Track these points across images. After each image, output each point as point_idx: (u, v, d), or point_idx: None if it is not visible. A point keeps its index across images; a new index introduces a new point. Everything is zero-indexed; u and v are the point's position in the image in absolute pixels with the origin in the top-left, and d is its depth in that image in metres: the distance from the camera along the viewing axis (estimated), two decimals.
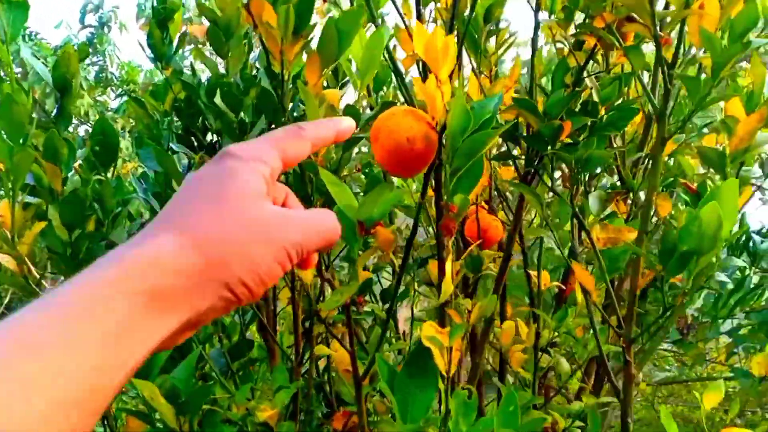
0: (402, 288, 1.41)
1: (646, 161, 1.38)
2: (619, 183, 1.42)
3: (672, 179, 1.39)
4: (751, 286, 2.16)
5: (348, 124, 0.46)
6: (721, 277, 1.30)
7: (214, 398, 1.34)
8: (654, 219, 1.42)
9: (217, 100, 0.98)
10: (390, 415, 1.13)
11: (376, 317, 1.38)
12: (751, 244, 2.25)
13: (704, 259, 0.83)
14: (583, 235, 0.97)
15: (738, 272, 2.23)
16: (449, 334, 0.78)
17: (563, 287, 1.38)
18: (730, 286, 1.39)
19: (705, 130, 1.13)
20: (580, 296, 1.20)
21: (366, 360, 0.98)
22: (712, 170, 0.96)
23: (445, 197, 0.74)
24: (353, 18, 0.79)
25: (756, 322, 2.27)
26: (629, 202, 1.35)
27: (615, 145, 1.15)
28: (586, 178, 0.99)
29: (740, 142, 0.86)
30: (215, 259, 0.34)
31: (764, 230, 2.52)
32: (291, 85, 0.87)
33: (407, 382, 0.79)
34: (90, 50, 6.67)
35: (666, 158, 1.39)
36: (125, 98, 6.19)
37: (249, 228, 0.36)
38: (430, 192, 0.91)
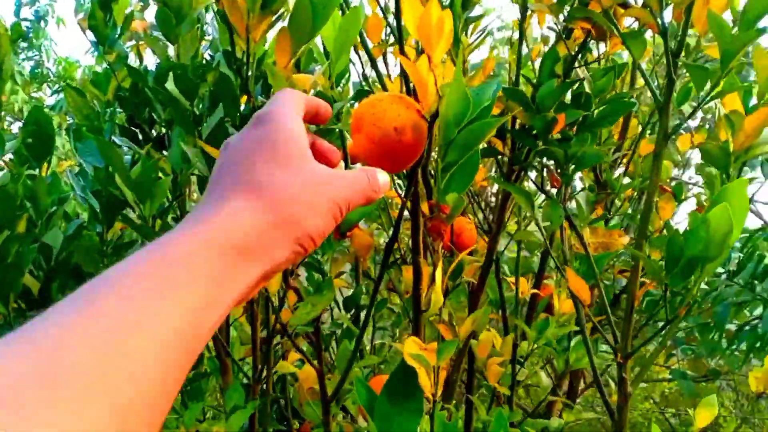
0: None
1: (623, 160, 1.33)
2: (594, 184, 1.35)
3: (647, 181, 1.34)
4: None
5: (327, 109, 0.48)
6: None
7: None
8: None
9: (169, 85, 0.86)
10: None
11: (335, 329, 1.28)
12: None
13: (711, 266, 0.76)
14: (572, 239, 0.89)
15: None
16: (437, 352, 0.69)
17: (539, 293, 1.31)
18: None
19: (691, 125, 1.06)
20: (557, 304, 1.12)
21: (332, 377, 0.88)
22: (686, 173, 0.89)
23: (436, 196, 0.65)
24: None
25: (693, 325, 2.26)
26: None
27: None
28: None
29: (746, 139, 0.79)
30: (287, 216, 0.37)
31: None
32: (256, 69, 0.76)
33: (389, 407, 0.69)
34: (25, 45, 6.36)
35: (640, 160, 1.33)
36: (62, 95, 5.91)
37: (312, 186, 0.39)
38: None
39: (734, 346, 2.38)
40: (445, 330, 0.69)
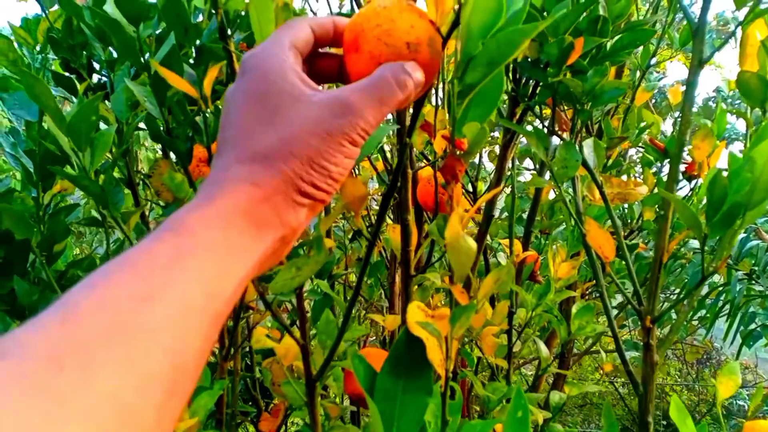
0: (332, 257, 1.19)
1: (618, 110, 1.22)
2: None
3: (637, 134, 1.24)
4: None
5: (347, 21, 0.45)
6: None
7: None
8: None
9: (109, 7, 0.71)
10: (342, 422, 0.90)
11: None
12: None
13: (752, 214, 0.65)
14: (584, 190, 0.78)
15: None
16: (452, 319, 0.57)
17: (528, 257, 1.20)
18: None
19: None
20: (553, 269, 1.02)
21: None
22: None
23: (452, 127, 0.52)
24: None
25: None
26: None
27: None
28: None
29: None
30: (285, 173, 0.36)
31: None
32: None
33: (392, 385, 0.57)
34: None
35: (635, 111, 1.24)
36: None
37: (305, 132, 0.36)
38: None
39: (690, 315, 2.36)
40: (461, 294, 0.57)
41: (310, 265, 0.57)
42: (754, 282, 2.29)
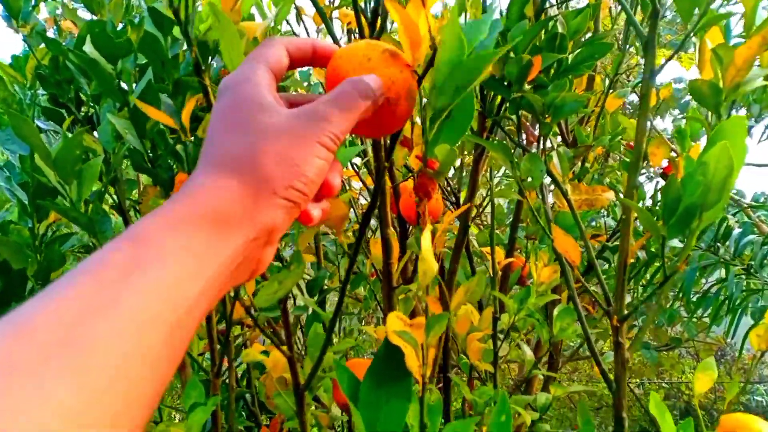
0: (325, 275, 1.22)
1: (591, 118, 1.26)
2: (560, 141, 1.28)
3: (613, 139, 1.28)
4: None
5: (327, 45, 0.47)
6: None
7: None
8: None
9: (88, 48, 0.75)
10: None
11: (299, 313, 1.19)
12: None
13: (709, 215, 0.69)
14: (554, 197, 0.82)
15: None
16: (426, 328, 0.60)
17: (512, 264, 1.24)
18: None
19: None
20: (535, 274, 1.05)
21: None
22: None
23: (424, 149, 0.55)
24: None
25: (650, 293, 2.26)
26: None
27: None
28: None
29: (737, 73, 0.73)
30: (256, 176, 0.36)
31: None
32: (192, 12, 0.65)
33: (375, 393, 0.60)
34: None
35: (608, 117, 1.27)
36: None
37: (276, 135, 0.38)
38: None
39: (695, 313, 2.38)
40: (433, 303, 0.61)
41: (292, 278, 0.60)
42: (752, 276, 2.30)
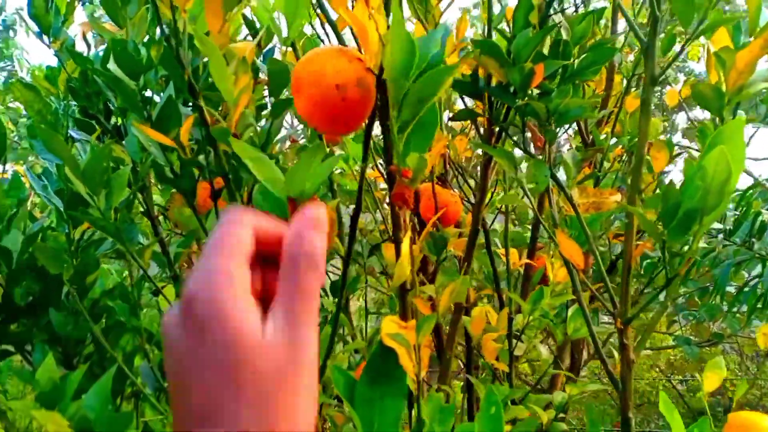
0: (353, 276, 1.25)
1: (610, 118, 1.26)
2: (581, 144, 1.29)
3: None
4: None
5: (320, 212, 0.39)
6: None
7: (146, 421, 1.17)
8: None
9: (111, 65, 0.79)
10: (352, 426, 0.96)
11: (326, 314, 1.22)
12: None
13: (709, 218, 0.69)
14: (560, 201, 0.83)
15: None
16: (416, 329, 0.62)
17: (533, 264, 1.25)
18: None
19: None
20: (551, 273, 1.06)
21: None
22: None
23: (396, 159, 0.58)
24: None
25: (693, 290, 2.23)
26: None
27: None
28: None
29: (739, 76, 0.73)
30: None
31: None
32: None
33: (370, 391, 0.63)
34: None
35: (627, 117, 1.27)
36: None
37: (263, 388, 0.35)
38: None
39: (735, 308, 2.34)
40: (422, 305, 0.63)
41: None
42: None
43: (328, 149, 0.76)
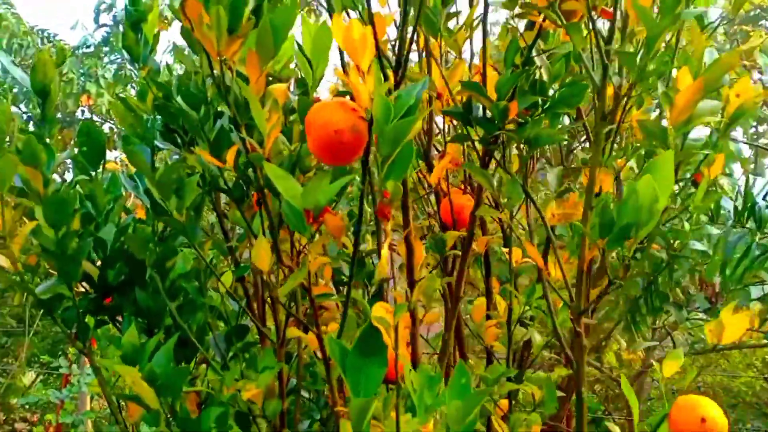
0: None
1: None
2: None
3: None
4: (757, 252, 2.18)
5: None
6: (697, 245, 1.30)
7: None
8: None
9: (178, 100, 1.02)
10: None
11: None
12: (757, 209, 2.27)
13: (643, 231, 0.85)
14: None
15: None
16: (393, 314, 0.82)
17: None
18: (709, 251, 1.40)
19: None
20: (553, 272, 1.22)
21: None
22: None
23: (378, 185, 0.77)
24: (286, 14, 0.82)
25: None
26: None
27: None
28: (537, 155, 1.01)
29: (680, 114, 0.87)
30: None
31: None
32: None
33: (359, 360, 0.83)
34: (107, 49, 6.80)
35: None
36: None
37: None
38: None
39: None
40: (399, 296, 0.82)
41: (300, 275, 0.84)
42: None
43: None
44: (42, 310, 1.36)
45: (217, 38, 0.82)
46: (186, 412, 1.11)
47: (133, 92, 6.92)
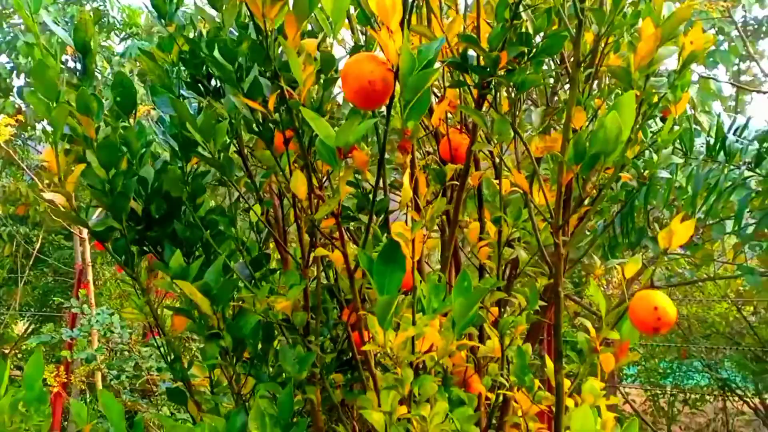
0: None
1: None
2: None
3: None
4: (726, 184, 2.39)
5: None
6: (663, 173, 1.50)
7: (241, 297, 1.59)
8: None
9: (216, 54, 1.19)
10: None
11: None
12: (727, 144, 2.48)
13: (610, 159, 1.04)
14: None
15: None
16: (411, 230, 1.01)
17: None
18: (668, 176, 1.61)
19: None
20: (537, 198, 1.42)
21: None
22: None
23: (399, 124, 0.96)
24: None
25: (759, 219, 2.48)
26: None
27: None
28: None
29: (641, 59, 1.06)
30: None
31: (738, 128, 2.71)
32: (275, 39, 1.07)
33: (383, 267, 1.03)
34: None
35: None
36: (129, 42, 6.35)
37: None
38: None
39: None
40: (416, 215, 1.02)
41: (334, 201, 1.03)
42: None
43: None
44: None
45: (262, 2, 0.99)
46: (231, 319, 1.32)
47: (117, 40, 6.94)
